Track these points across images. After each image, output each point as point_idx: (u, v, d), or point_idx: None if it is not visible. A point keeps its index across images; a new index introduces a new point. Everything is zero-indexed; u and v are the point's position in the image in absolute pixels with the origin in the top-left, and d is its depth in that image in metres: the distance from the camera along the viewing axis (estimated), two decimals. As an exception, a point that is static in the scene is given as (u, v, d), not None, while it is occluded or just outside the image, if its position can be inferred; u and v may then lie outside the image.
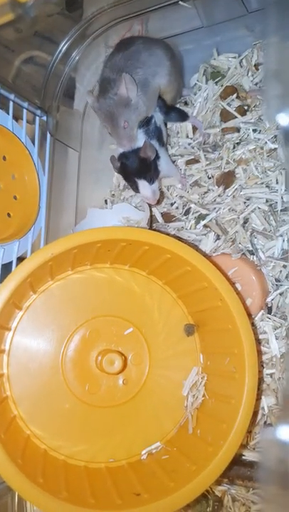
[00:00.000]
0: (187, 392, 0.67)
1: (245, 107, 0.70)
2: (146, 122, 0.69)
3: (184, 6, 0.68)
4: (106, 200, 0.81)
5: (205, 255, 0.70)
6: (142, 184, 0.68)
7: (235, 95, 0.71)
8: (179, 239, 0.73)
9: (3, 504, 0.66)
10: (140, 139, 0.69)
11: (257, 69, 0.71)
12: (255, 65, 0.71)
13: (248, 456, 0.63)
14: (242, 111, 0.70)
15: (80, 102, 0.76)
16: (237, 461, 0.63)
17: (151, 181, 0.68)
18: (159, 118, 0.72)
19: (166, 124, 0.75)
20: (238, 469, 0.63)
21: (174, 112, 0.74)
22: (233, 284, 0.64)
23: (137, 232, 0.60)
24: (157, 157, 0.69)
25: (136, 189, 0.70)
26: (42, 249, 0.58)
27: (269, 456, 0.34)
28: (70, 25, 0.77)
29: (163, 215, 0.75)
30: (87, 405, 0.66)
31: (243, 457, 0.64)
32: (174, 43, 0.73)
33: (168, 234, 0.72)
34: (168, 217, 0.75)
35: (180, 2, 0.66)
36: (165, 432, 0.67)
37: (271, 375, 0.65)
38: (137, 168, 0.68)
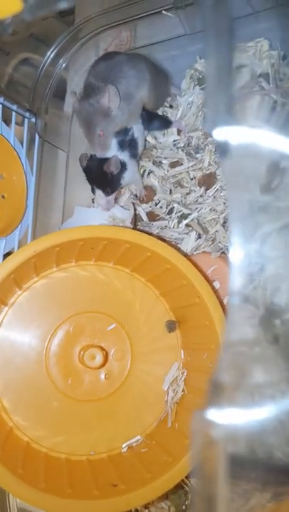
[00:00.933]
0: (167, 387, 0.68)
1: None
2: (123, 133, 0.71)
3: (167, 15, 0.69)
4: (93, 199, 0.82)
5: (185, 254, 0.71)
6: (98, 194, 0.71)
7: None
8: (162, 237, 0.75)
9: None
10: (113, 148, 0.70)
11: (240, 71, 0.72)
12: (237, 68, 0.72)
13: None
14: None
15: (68, 104, 0.78)
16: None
17: (107, 193, 0.71)
18: (138, 129, 0.74)
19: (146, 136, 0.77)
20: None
21: (158, 120, 0.75)
22: (211, 281, 0.65)
23: (116, 230, 0.62)
24: (124, 169, 0.72)
25: (93, 193, 0.73)
26: (25, 246, 0.59)
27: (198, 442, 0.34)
28: (61, 29, 0.78)
29: (148, 214, 0.76)
30: (70, 399, 0.67)
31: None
32: (161, 49, 0.75)
33: (151, 233, 0.73)
34: (152, 216, 0.76)
35: (163, 11, 0.68)
36: (146, 426, 0.68)
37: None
38: (98, 177, 0.70)
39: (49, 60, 0.74)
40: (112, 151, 0.70)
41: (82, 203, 0.80)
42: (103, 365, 0.65)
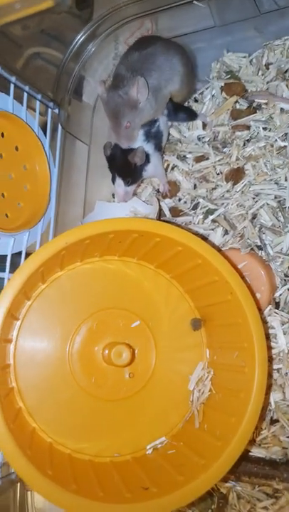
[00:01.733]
0: (193, 387, 0.65)
1: (255, 105, 0.69)
2: (149, 124, 0.69)
3: (197, 5, 0.67)
4: (113, 194, 0.80)
5: (219, 249, 0.69)
6: (118, 182, 0.69)
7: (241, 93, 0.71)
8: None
9: (6, 498, 0.64)
10: (139, 140, 0.68)
11: (267, 68, 0.70)
12: (265, 65, 0.70)
13: (255, 452, 0.62)
14: (252, 110, 0.69)
15: (90, 96, 0.75)
16: (244, 456, 0.62)
17: (128, 183, 0.69)
18: (164, 121, 0.72)
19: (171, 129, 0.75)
20: (244, 465, 0.62)
21: (183, 111, 0.73)
22: (243, 277, 0.62)
23: (150, 223, 0.59)
24: (147, 161, 0.70)
25: (113, 181, 0.70)
26: (57, 238, 0.56)
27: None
28: (79, 23, 0.76)
29: (171, 209, 0.74)
30: (93, 398, 0.64)
31: (250, 453, 0.63)
32: (186, 42, 0.72)
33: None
34: (176, 212, 0.73)
35: (194, 1, 0.66)
36: (171, 427, 0.65)
37: (278, 370, 0.63)
38: (120, 166, 0.68)
39: (74, 51, 0.72)
40: (138, 142, 0.68)
41: (102, 197, 0.78)
42: (130, 362, 0.62)
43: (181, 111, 0.72)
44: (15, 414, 0.59)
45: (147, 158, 0.69)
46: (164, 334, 0.67)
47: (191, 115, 0.73)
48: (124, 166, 0.68)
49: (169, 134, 0.75)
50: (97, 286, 0.66)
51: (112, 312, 0.66)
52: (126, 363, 0.62)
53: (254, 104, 0.69)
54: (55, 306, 0.64)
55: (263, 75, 0.71)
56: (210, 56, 0.74)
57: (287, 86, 0.69)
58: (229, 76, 0.72)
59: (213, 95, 0.73)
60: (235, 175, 0.68)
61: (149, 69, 0.65)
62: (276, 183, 0.66)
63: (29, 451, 0.54)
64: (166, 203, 0.74)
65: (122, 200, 0.70)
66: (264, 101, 0.69)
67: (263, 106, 0.68)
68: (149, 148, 0.69)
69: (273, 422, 0.63)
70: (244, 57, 0.73)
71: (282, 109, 0.67)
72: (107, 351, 0.64)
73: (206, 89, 0.74)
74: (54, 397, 0.63)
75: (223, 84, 0.72)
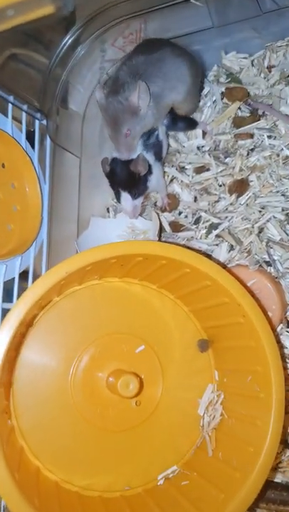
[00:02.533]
0: (203, 411, 0.62)
1: (259, 113, 0.65)
2: (148, 134, 0.64)
3: (193, 4, 0.62)
4: (108, 209, 0.75)
5: (228, 269, 0.65)
6: (125, 197, 0.64)
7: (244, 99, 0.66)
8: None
9: None
10: (138, 150, 0.63)
11: (270, 71, 0.66)
12: (268, 67, 0.66)
13: (271, 477, 0.59)
14: (256, 117, 0.65)
15: (79, 105, 0.69)
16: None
17: (135, 196, 0.64)
18: (162, 131, 0.67)
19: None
20: (261, 491, 0.59)
21: (182, 120, 0.68)
22: (257, 299, 0.59)
23: (155, 246, 0.54)
24: (149, 172, 0.65)
25: (118, 199, 0.65)
26: (56, 267, 0.50)
27: None
28: (65, 25, 0.69)
29: (171, 224, 0.69)
30: (99, 430, 0.60)
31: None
32: (181, 44, 0.67)
33: (178, 244, 0.66)
34: (176, 227, 0.69)
35: (192, 0, 0.60)
36: (181, 455, 0.62)
37: (292, 390, 0.60)
38: (124, 179, 0.63)
39: (60, 57, 0.66)
40: (137, 152, 0.63)
41: (96, 212, 0.72)
42: (138, 393, 0.58)
43: (179, 119, 0.67)
44: (18, 457, 0.54)
45: (149, 168, 0.64)
46: (170, 357, 0.63)
47: (191, 124, 0.68)
48: (128, 179, 0.63)
49: (168, 144, 0.70)
50: (97, 309, 0.62)
51: (115, 337, 0.62)
52: (134, 394, 0.58)
53: (259, 112, 0.65)
54: (53, 333, 0.59)
55: (265, 78, 0.67)
56: (207, 59, 0.69)
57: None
58: (230, 79, 0.67)
59: (213, 101, 0.68)
60: (239, 186, 0.64)
61: (154, 75, 0.60)
62: (283, 195, 0.62)
63: (36, 500, 0.50)
64: (166, 218, 0.69)
65: (132, 217, 0.65)
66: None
67: (266, 113, 0.64)
68: (149, 158, 0.64)
69: (289, 445, 0.60)
70: (245, 58, 0.68)
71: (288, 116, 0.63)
72: (112, 379, 0.60)
73: (206, 95, 0.69)
74: (57, 432, 0.58)
75: (224, 90, 0.67)
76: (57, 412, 0.58)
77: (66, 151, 0.70)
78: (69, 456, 0.58)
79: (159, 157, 0.66)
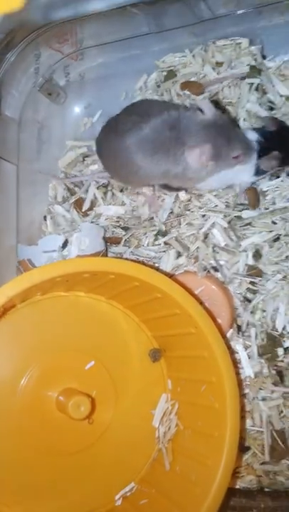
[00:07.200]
0: (158, 423, 0.57)
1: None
2: None
3: (130, 11, 0.56)
4: (45, 217, 0.67)
5: (168, 274, 0.60)
6: None
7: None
8: (138, 257, 0.62)
9: None
10: None
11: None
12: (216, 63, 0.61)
13: (230, 484, 0.54)
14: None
15: (15, 110, 0.61)
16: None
17: None
18: None
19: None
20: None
21: None
22: (209, 310, 0.54)
23: (103, 262, 0.49)
24: None
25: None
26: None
27: None
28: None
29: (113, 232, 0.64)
30: (51, 455, 0.53)
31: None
32: (118, 49, 0.61)
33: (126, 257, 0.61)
34: (116, 239, 0.63)
35: (128, 7, 0.54)
36: (138, 470, 0.56)
37: (245, 395, 0.57)
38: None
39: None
40: None
41: (35, 220, 0.65)
42: (90, 414, 0.52)
43: None
44: None
45: None
46: (123, 371, 0.57)
47: None
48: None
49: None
50: (41, 325, 0.55)
51: (63, 354, 0.55)
52: (85, 416, 0.52)
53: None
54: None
55: (213, 68, 0.61)
56: (146, 63, 0.64)
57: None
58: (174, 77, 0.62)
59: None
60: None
61: None
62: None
63: None
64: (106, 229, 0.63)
65: None
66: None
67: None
68: None
69: (245, 449, 0.56)
70: (184, 56, 0.63)
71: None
72: (62, 398, 0.53)
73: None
74: (4, 460, 0.51)
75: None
76: (3, 440, 0.51)
77: (1, 159, 0.61)
78: (22, 484, 0.51)
79: None
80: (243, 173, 0.56)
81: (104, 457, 0.56)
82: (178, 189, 0.59)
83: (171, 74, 0.62)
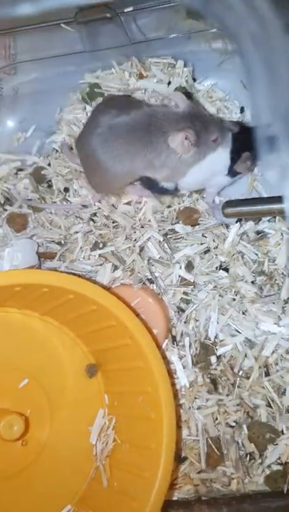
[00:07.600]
0: (95, 440, 0.55)
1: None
2: None
3: (64, 28, 0.57)
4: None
5: (104, 287, 0.59)
6: None
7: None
8: (73, 271, 0.62)
9: None
10: None
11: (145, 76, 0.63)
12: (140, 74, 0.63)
13: (168, 496, 0.54)
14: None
15: None
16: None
17: None
18: None
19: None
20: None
21: None
22: (144, 320, 0.54)
23: (34, 274, 0.47)
24: None
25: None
26: None
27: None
28: None
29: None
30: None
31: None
32: (52, 64, 0.62)
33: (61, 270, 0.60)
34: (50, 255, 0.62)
35: (62, 25, 0.55)
36: (76, 491, 0.54)
37: (182, 405, 0.57)
38: None
39: None
40: None
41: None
42: (24, 434, 0.50)
43: None
44: None
45: None
46: (59, 388, 0.56)
47: None
48: None
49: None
50: None
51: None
52: (18, 436, 0.49)
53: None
54: None
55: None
56: (81, 79, 0.64)
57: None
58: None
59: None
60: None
61: None
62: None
63: None
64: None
65: None
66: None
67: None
68: None
69: (182, 460, 0.57)
70: (112, 73, 0.64)
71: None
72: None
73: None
74: None
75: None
76: None
77: None
78: None
79: None
80: (218, 176, 0.59)
81: (39, 480, 0.53)
82: (162, 192, 0.60)
83: (94, 85, 0.63)
